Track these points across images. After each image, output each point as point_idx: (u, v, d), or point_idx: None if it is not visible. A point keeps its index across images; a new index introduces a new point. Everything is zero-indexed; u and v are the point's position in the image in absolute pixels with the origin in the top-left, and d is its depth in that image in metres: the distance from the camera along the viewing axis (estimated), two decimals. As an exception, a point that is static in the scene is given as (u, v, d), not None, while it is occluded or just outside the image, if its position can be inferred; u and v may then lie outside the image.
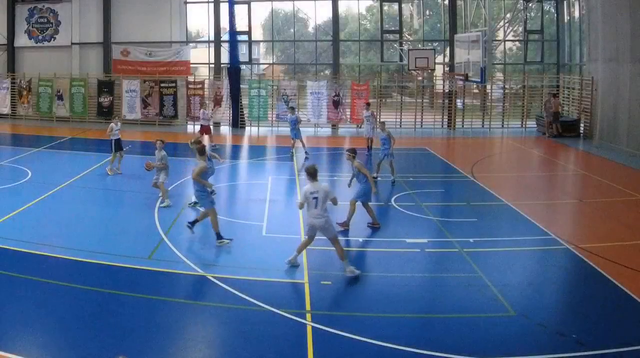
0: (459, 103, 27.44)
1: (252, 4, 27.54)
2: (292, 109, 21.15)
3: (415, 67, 25.51)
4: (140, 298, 8.13)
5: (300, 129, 19.54)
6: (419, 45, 27.88)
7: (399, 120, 26.75)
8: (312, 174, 8.91)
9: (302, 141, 19.42)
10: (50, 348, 6.79)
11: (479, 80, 22.30)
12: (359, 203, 11.31)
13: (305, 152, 19.04)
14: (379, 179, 14.95)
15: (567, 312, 8.07)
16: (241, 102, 26.65)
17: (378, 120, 20.46)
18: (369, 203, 11.55)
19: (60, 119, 27.33)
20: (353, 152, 11.39)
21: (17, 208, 12.19)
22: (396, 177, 15.08)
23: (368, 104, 21.48)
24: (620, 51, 20.47)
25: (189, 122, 27.02)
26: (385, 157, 15.07)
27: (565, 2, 27.29)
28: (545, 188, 15.87)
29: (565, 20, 27.38)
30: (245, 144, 23.75)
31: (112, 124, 16.33)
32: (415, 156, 19.94)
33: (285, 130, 25.91)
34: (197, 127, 26.48)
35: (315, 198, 8.72)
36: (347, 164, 19.58)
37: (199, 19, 30.59)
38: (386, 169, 15.46)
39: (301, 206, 9.10)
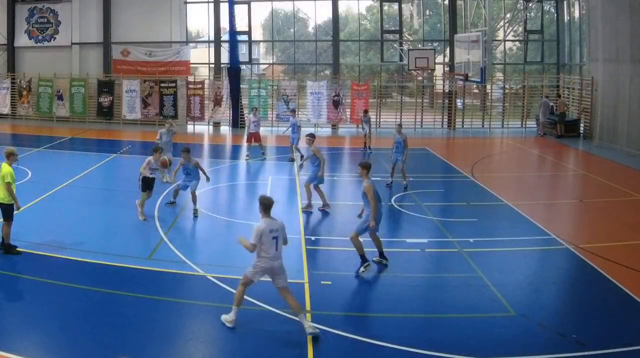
0: (459, 103, 27.44)
1: (252, 4, 27.53)
2: (293, 111, 20.69)
3: (415, 67, 25.52)
4: (140, 298, 8.13)
5: (300, 131, 18.85)
6: (419, 45, 27.88)
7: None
8: (267, 208, 7.36)
9: (297, 147, 18.67)
10: (50, 348, 6.78)
11: (479, 80, 22.31)
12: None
13: (293, 158, 18.52)
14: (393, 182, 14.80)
15: (567, 312, 8.08)
16: (241, 102, 26.66)
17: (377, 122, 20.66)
18: (320, 186, 12.61)
19: (60, 119, 27.31)
20: (312, 136, 13.27)
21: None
22: (408, 182, 14.64)
23: (366, 111, 21.63)
24: (620, 51, 20.46)
25: (188, 122, 27.02)
26: (399, 161, 14.59)
27: (565, 2, 27.29)
28: (545, 188, 15.88)
29: (565, 20, 27.38)
30: (245, 143, 23.71)
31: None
32: (415, 156, 19.87)
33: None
34: (196, 128, 26.57)
35: (276, 238, 7.21)
36: (346, 164, 19.69)
37: (199, 19, 30.64)
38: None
39: (254, 248, 7.17)
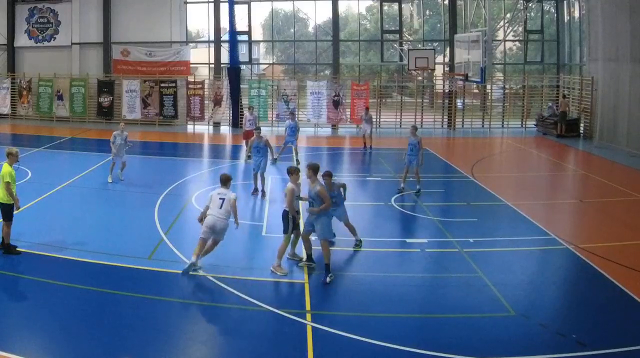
0: (459, 103, 27.45)
1: (252, 4, 27.54)
2: (292, 113, 20.21)
3: (415, 67, 25.51)
4: (140, 298, 8.13)
5: (297, 133, 18.62)
6: (419, 45, 27.88)
7: (399, 120, 26.75)
8: (223, 181, 9.18)
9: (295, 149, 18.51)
10: (50, 348, 6.78)
11: (479, 80, 22.31)
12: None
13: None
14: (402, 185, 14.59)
15: (567, 312, 8.07)
16: (241, 102, 26.66)
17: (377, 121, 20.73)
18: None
19: (60, 119, 27.32)
20: (259, 129, 14.45)
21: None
22: (421, 185, 14.27)
23: (367, 109, 21.65)
24: (620, 51, 20.47)
25: (188, 123, 27.02)
26: (412, 164, 14.20)
27: (565, 2, 27.29)
28: (545, 188, 15.87)
29: (565, 20, 27.39)
30: (245, 143, 23.73)
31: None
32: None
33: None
34: (194, 128, 26.57)
35: (222, 199, 8.91)
36: (346, 164, 19.69)
37: (199, 19, 30.75)
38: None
39: (206, 209, 9.02)
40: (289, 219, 9.14)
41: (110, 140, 15.08)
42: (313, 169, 9.18)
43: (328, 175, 9.90)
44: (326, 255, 8.90)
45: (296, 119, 19.77)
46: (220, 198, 8.89)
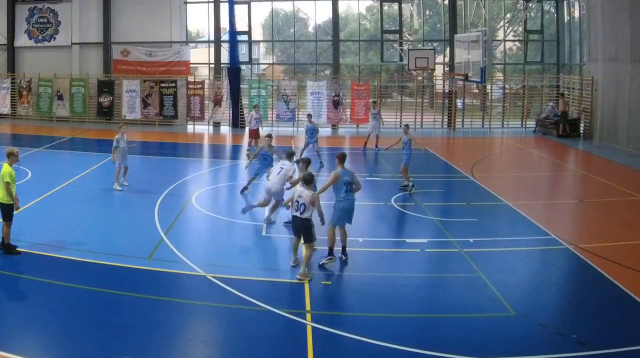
0: (459, 103, 27.45)
1: (252, 4, 27.53)
2: (309, 115, 19.89)
3: (415, 67, 25.49)
4: (140, 298, 8.13)
5: (316, 135, 18.52)
6: (419, 45, 27.88)
7: (399, 120, 26.73)
8: (288, 155, 11.48)
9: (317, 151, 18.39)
10: (50, 348, 6.78)
11: (479, 80, 22.31)
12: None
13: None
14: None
15: (567, 312, 8.08)
16: (241, 102, 26.66)
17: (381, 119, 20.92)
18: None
19: (60, 119, 27.30)
20: (270, 137, 14.33)
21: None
22: (410, 182, 14.42)
23: (375, 102, 21.67)
24: (620, 51, 20.47)
25: (188, 123, 27.02)
26: (406, 162, 14.42)
27: (565, 2, 27.29)
28: (545, 188, 15.88)
29: (565, 20, 27.39)
30: (245, 143, 23.72)
31: None
32: (415, 156, 19.84)
33: (286, 130, 26.02)
34: (197, 127, 26.60)
35: (281, 168, 11.17)
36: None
37: (199, 19, 30.70)
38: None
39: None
40: (312, 226, 8.96)
41: (113, 144, 14.39)
42: (339, 158, 10.10)
43: (304, 162, 10.78)
44: (329, 240, 9.37)
45: (314, 120, 19.80)
46: (280, 167, 11.19)
